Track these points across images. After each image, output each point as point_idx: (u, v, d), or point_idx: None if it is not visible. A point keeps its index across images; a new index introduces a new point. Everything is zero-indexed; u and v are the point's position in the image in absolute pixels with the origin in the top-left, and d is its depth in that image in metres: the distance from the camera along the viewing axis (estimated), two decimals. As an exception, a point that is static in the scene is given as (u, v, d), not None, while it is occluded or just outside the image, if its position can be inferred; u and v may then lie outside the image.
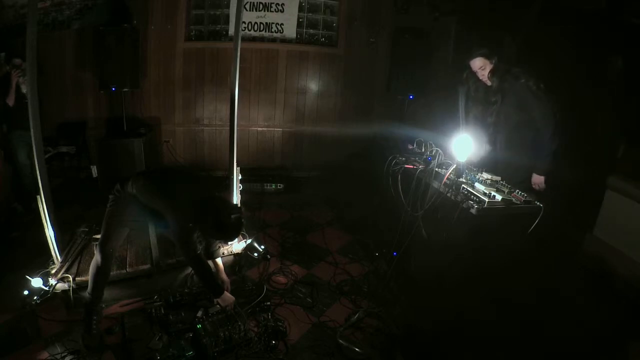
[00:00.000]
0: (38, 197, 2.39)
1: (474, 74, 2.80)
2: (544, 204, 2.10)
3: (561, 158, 2.89)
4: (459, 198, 2.17)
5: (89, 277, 2.23)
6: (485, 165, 2.68)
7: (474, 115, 2.94)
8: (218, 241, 2.57)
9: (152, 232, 2.67)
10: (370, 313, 2.49)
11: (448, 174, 2.35)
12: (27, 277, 2.32)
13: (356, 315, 2.44)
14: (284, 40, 4.86)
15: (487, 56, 2.71)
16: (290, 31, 4.85)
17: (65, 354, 2.04)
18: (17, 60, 3.39)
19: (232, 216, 2.06)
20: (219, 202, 2.17)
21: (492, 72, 2.71)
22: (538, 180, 2.70)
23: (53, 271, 2.44)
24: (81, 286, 2.39)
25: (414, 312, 2.49)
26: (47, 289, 2.34)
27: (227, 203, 2.29)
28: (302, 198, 4.46)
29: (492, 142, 2.91)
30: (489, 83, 2.75)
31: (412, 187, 2.51)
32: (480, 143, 2.79)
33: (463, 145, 2.34)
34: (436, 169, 2.50)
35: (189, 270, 2.69)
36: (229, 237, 2.24)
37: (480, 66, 2.73)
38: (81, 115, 4.54)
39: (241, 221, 2.13)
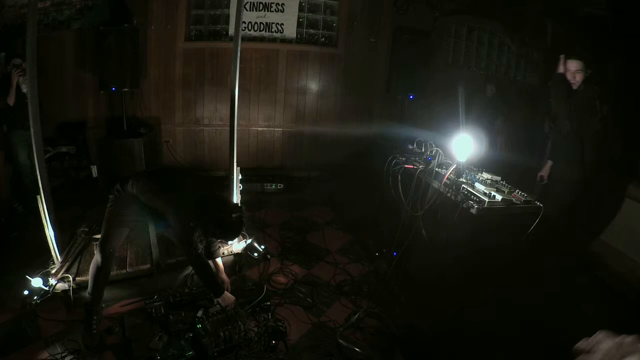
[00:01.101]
0: (38, 197, 2.39)
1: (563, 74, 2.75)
2: (544, 204, 2.10)
3: (562, 158, 2.89)
4: (459, 198, 2.17)
5: (89, 277, 2.23)
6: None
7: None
8: (218, 241, 2.57)
9: (152, 232, 2.67)
10: (370, 313, 2.49)
11: (448, 174, 2.35)
12: (27, 277, 2.32)
13: (356, 315, 2.44)
14: (284, 40, 4.86)
15: (585, 62, 2.67)
16: (290, 31, 4.85)
17: (65, 354, 2.03)
18: (17, 60, 3.39)
19: (234, 215, 2.06)
20: (220, 201, 2.17)
21: (582, 81, 2.68)
22: None
23: (53, 271, 2.44)
24: (81, 286, 2.39)
25: (414, 312, 2.49)
26: (47, 289, 2.34)
27: (228, 202, 2.29)
28: (302, 198, 4.46)
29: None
30: (574, 86, 2.71)
31: (412, 187, 2.51)
32: (481, 142, 2.79)
33: (463, 145, 2.34)
34: (436, 169, 2.50)
35: (189, 270, 2.70)
36: (230, 236, 2.24)
37: (577, 69, 2.68)
38: (81, 115, 4.53)
39: (242, 220, 2.13)
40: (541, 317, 2.38)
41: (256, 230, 3.47)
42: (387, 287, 2.72)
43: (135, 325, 2.23)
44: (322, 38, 4.98)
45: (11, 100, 3.38)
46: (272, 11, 4.74)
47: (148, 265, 2.66)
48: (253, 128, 5.08)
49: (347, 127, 4.97)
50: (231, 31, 4.65)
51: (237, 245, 2.91)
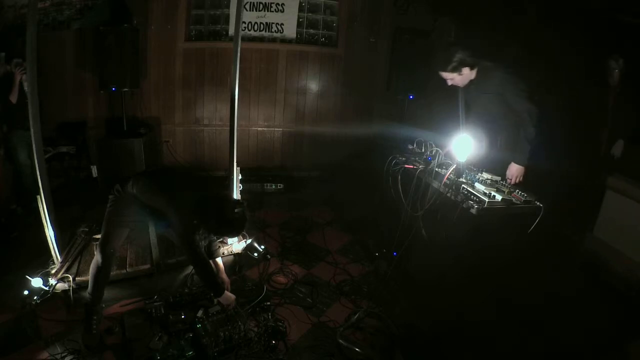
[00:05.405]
0: (38, 197, 2.39)
1: None
2: (544, 204, 2.10)
3: (563, 158, 2.88)
4: (459, 198, 2.17)
5: (89, 277, 2.23)
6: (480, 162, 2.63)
7: (475, 113, 2.93)
8: (218, 240, 2.57)
9: (152, 232, 2.67)
10: (370, 313, 2.49)
11: (448, 174, 2.35)
12: (27, 277, 2.32)
13: (356, 315, 2.44)
14: (284, 40, 4.86)
15: (450, 70, 2.59)
16: (290, 31, 4.85)
17: (65, 354, 2.04)
18: (19, 60, 3.39)
19: (236, 210, 2.05)
20: (222, 198, 2.17)
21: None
22: (515, 170, 2.58)
23: (53, 271, 2.44)
24: (81, 286, 2.39)
25: (414, 312, 2.50)
26: (47, 289, 2.34)
27: (229, 198, 2.29)
28: (302, 198, 4.46)
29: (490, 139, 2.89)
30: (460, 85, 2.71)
31: (412, 187, 2.51)
32: (480, 142, 2.79)
33: (463, 145, 2.34)
34: (436, 169, 2.50)
35: (189, 270, 2.70)
36: (233, 233, 2.23)
37: (448, 78, 2.66)
38: (81, 115, 4.53)
39: (245, 215, 2.12)
40: (541, 317, 2.38)
41: (256, 230, 3.47)
42: (387, 287, 2.72)
43: (135, 325, 2.23)
44: (322, 38, 4.98)
45: (14, 98, 3.39)
46: (272, 11, 4.74)
47: (148, 265, 2.66)
48: (253, 128, 5.08)
49: (347, 127, 4.96)
50: (231, 31, 4.65)
51: (237, 245, 2.91)
